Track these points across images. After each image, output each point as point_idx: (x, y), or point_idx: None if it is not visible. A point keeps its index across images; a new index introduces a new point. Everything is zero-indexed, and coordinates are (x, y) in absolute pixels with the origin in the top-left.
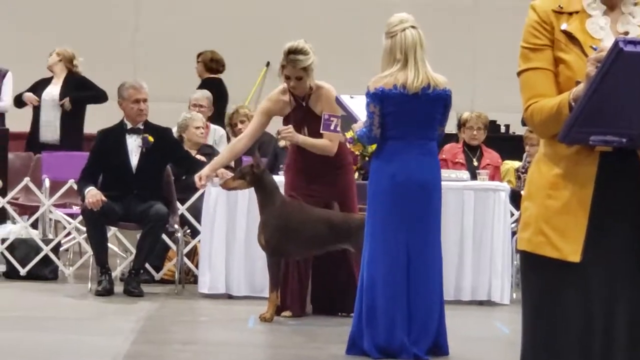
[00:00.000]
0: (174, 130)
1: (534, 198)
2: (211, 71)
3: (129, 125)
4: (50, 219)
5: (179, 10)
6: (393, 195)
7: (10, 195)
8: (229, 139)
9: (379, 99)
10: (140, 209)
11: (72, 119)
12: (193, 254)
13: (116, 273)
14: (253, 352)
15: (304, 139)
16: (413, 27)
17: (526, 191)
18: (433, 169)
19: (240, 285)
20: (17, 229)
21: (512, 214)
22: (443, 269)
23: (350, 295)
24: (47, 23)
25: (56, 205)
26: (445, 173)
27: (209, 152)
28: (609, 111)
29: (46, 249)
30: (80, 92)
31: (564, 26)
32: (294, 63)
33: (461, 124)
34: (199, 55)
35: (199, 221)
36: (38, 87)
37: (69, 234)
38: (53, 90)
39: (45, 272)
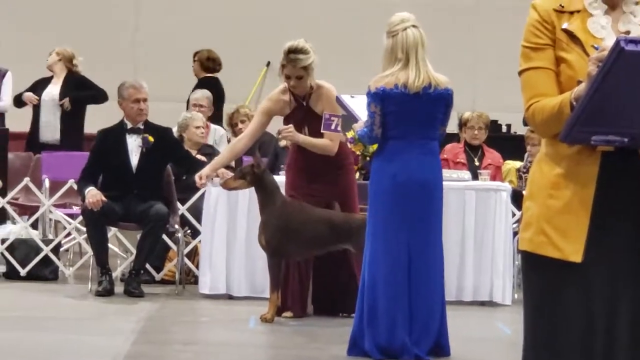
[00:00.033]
0: (174, 130)
1: (536, 198)
2: (208, 70)
3: (129, 125)
4: (50, 219)
5: (179, 10)
6: (394, 195)
7: (10, 195)
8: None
9: (380, 98)
10: (140, 209)
11: (72, 119)
12: (193, 254)
13: (116, 273)
14: (254, 353)
15: (304, 138)
16: (414, 26)
17: (528, 191)
18: (434, 168)
19: (241, 285)
20: (17, 229)
21: (514, 214)
22: (444, 269)
23: (351, 295)
24: (47, 23)
25: (56, 206)
26: (446, 173)
27: (210, 152)
28: (611, 111)
29: (46, 249)
30: (80, 92)
31: (565, 25)
32: (294, 62)
33: (462, 124)
34: (195, 54)
35: (199, 221)
36: (38, 87)
37: (69, 234)
38: (53, 90)
39: (46, 272)
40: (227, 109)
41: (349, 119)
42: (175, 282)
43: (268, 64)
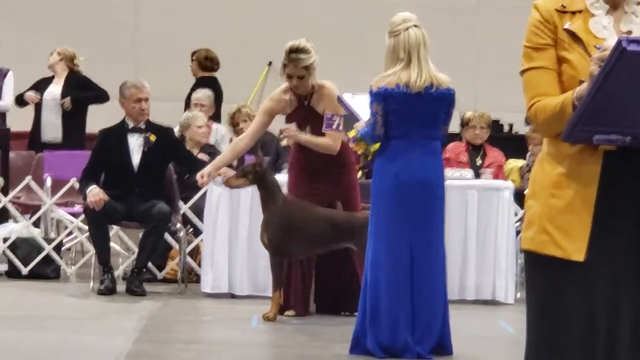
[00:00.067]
0: (176, 129)
1: (538, 197)
2: (206, 70)
3: (131, 125)
4: (52, 218)
5: (179, 10)
6: (396, 195)
7: (12, 194)
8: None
9: (382, 98)
10: (142, 208)
11: (73, 119)
12: (196, 253)
13: (118, 272)
14: (256, 352)
15: (306, 137)
16: (416, 26)
17: (530, 190)
18: (436, 168)
19: (243, 284)
20: (19, 228)
21: (516, 213)
22: (447, 268)
23: (353, 294)
24: (48, 23)
25: (58, 204)
26: (448, 172)
27: (211, 151)
28: (613, 110)
29: (48, 248)
30: (82, 92)
31: (566, 25)
32: (295, 62)
33: (464, 124)
34: (193, 53)
35: (201, 220)
36: (39, 87)
37: (70, 233)
38: (55, 90)
39: (47, 271)
40: (229, 108)
41: (351, 118)
42: (177, 280)
43: (270, 63)
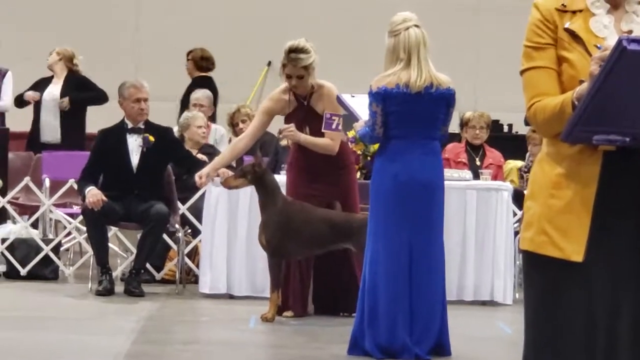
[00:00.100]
0: (175, 129)
1: (537, 197)
2: (201, 69)
3: (130, 125)
4: (51, 219)
5: (179, 10)
6: (396, 195)
7: (10, 195)
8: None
9: (381, 98)
10: (141, 209)
11: (72, 119)
12: (194, 254)
13: (117, 273)
14: (254, 352)
15: (305, 137)
16: (416, 26)
17: (529, 191)
18: (436, 168)
19: (241, 285)
20: (18, 228)
21: (515, 214)
22: (445, 269)
23: (352, 295)
24: (48, 23)
25: (56, 205)
26: (447, 172)
27: (210, 151)
28: (613, 110)
29: (46, 249)
30: (81, 92)
31: (567, 25)
32: (295, 62)
33: (464, 124)
34: (188, 53)
35: (200, 221)
36: (38, 87)
37: (69, 233)
38: (54, 90)
39: (46, 272)
40: (228, 108)
41: (350, 118)
42: (175, 281)
43: (269, 63)
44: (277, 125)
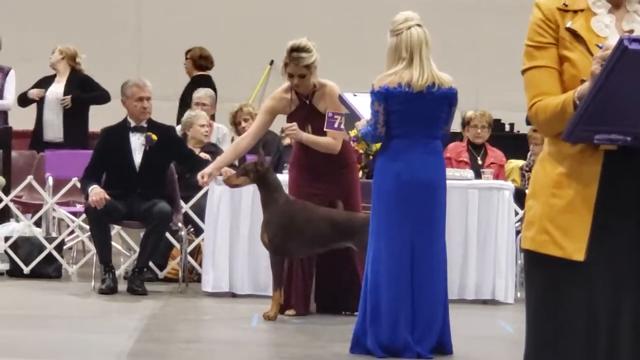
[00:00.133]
0: (178, 128)
1: (538, 197)
2: (200, 68)
3: (133, 124)
4: (54, 217)
5: (180, 10)
6: (398, 194)
7: (13, 193)
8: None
9: (383, 97)
10: (143, 208)
11: (75, 118)
12: (197, 253)
13: (120, 271)
14: (256, 351)
15: (307, 136)
16: (419, 25)
17: (530, 190)
18: (438, 167)
19: (243, 283)
20: (21, 227)
21: (517, 213)
22: (447, 268)
23: (354, 293)
24: (49, 23)
25: (59, 204)
26: (449, 172)
27: (213, 150)
28: (614, 109)
29: (49, 247)
30: (84, 91)
31: (568, 24)
32: (297, 61)
33: (465, 123)
34: (187, 52)
35: (202, 220)
36: (41, 85)
37: (72, 232)
38: (57, 89)
39: (49, 270)
40: (230, 107)
41: (352, 117)
42: (178, 280)
43: (271, 62)
44: (279, 124)
